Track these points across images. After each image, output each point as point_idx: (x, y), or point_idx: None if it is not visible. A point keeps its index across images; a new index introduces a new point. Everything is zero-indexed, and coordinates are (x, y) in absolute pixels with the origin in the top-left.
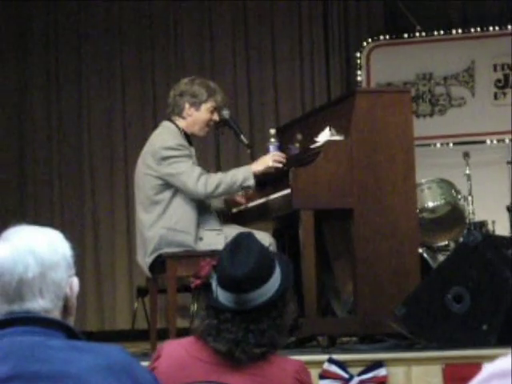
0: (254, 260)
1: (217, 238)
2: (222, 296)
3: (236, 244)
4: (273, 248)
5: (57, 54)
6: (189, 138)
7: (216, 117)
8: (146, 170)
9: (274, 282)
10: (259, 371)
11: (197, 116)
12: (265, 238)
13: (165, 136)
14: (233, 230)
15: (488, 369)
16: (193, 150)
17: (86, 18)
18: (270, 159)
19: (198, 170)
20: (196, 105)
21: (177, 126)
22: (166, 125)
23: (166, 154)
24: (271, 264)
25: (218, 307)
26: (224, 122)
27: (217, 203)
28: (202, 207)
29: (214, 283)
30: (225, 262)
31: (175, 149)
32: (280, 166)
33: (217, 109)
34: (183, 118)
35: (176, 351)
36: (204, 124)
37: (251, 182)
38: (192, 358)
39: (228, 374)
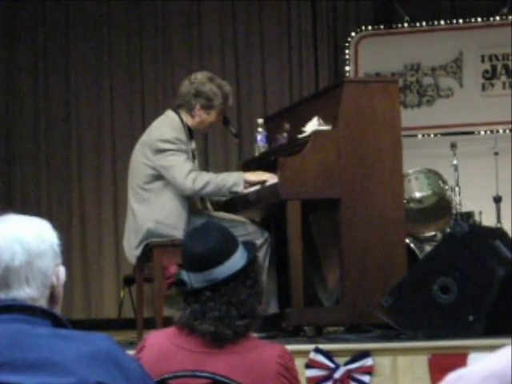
0: (214, 236)
1: None
2: (195, 280)
3: (195, 229)
4: (266, 238)
5: (45, 42)
6: (191, 132)
7: (221, 117)
8: (142, 158)
9: (240, 255)
10: (243, 357)
11: (205, 118)
12: (257, 230)
13: (164, 127)
14: (222, 222)
15: (480, 369)
16: (193, 144)
17: (75, 5)
18: (267, 175)
19: (189, 165)
20: (207, 108)
21: (181, 118)
22: (169, 115)
23: (162, 147)
24: (233, 240)
25: (194, 291)
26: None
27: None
28: (193, 202)
29: (184, 275)
30: (188, 245)
31: (172, 142)
32: (273, 182)
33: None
34: (191, 115)
35: (160, 341)
36: (209, 125)
37: (240, 188)
38: (176, 347)
39: (212, 361)
